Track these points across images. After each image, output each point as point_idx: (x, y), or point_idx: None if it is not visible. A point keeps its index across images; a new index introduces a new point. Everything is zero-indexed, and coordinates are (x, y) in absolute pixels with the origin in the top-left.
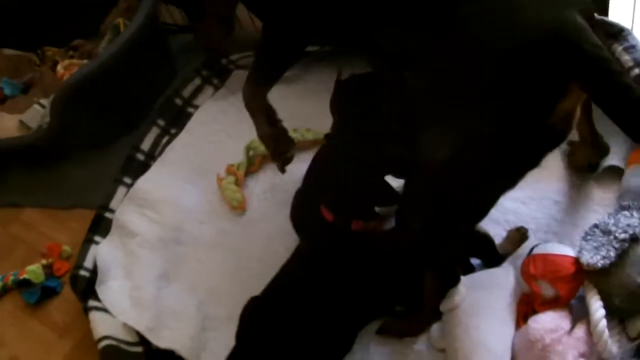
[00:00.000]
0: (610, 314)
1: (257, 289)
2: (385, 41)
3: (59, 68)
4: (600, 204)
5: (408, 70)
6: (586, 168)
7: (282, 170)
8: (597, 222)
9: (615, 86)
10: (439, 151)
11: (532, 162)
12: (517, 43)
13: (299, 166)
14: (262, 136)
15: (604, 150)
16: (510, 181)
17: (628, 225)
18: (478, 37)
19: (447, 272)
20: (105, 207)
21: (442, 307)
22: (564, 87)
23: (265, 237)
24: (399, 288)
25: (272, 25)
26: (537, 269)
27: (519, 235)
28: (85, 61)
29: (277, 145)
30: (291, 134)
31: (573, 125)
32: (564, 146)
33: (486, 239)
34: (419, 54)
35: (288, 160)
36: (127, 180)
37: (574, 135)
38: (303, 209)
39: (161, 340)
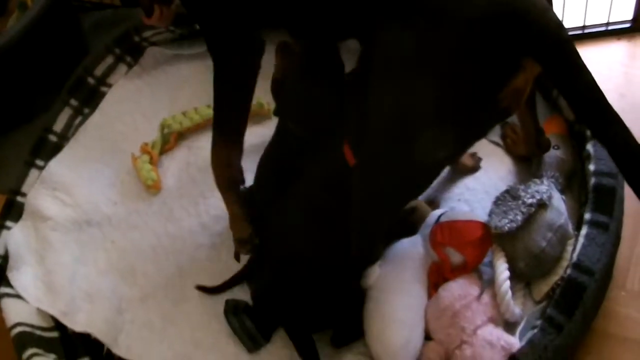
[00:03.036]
0: (516, 277)
1: (171, 266)
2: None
3: None
4: (514, 172)
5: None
6: (525, 158)
7: (239, 259)
8: (508, 187)
9: (571, 66)
10: (389, 112)
11: (479, 132)
12: (476, 14)
13: None
14: (233, 218)
15: (547, 147)
16: (456, 149)
17: (537, 191)
18: (437, 4)
19: (370, 249)
20: (17, 191)
21: None
22: (519, 63)
23: (180, 214)
24: None
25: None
26: (444, 236)
27: (430, 207)
28: None
29: (245, 228)
30: (204, 110)
31: (521, 102)
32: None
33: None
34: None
35: (254, 250)
36: (40, 162)
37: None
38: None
39: (77, 325)
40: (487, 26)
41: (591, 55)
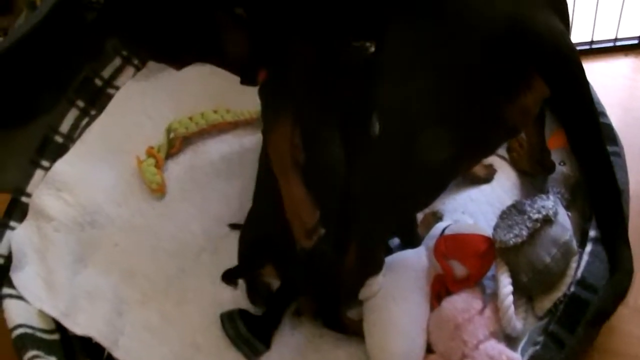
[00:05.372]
0: (519, 291)
1: (173, 269)
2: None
3: None
4: (518, 185)
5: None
6: (526, 173)
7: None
8: (514, 202)
9: (578, 95)
10: (394, 122)
11: (486, 149)
12: (490, 30)
13: (218, 147)
14: (298, 202)
15: (551, 168)
16: (463, 164)
17: (542, 206)
18: (454, 17)
19: (372, 257)
20: (21, 191)
21: (361, 296)
22: (528, 82)
23: (183, 218)
24: None
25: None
26: (447, 248)
27: (433, 218)
28: (0, 38)
29: (313, 211)
30: (211, 115)
31: (529, 122)
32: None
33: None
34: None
35: (319, 240)
36: (45, 163)
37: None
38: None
39: (77, 327)
40: (500, 42)
41: (598, 69)
